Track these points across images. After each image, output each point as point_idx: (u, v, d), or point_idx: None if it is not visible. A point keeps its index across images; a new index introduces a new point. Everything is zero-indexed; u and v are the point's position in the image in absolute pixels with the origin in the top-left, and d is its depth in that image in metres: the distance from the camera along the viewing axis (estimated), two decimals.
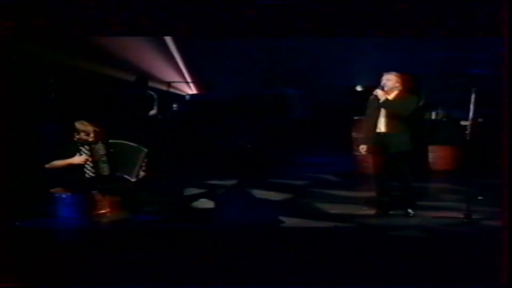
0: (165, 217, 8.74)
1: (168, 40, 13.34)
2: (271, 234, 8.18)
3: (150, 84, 11.82)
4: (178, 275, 6.90)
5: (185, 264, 7.03)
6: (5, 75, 7.15)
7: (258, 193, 10.05)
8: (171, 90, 13.33)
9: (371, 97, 8.82)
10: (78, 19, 7.25)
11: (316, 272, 7.03)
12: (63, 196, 8.33)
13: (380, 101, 8.70)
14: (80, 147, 8.36)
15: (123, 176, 8.52)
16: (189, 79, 13.84)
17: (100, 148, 8.43)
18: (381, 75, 8.82)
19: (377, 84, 8.85)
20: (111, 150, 8.45)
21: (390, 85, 8.72)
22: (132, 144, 8.64)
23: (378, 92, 8.69)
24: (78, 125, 8.48)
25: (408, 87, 8.88)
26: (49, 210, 8.28)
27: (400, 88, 8.76)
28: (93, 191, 8.38)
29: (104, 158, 8.43)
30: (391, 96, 8.73)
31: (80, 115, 8.90)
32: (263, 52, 13.64)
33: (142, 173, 8.52)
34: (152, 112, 11.26)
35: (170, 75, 13.53)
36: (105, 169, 8.43)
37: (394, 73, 8.78)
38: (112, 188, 8.45)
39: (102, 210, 8.39)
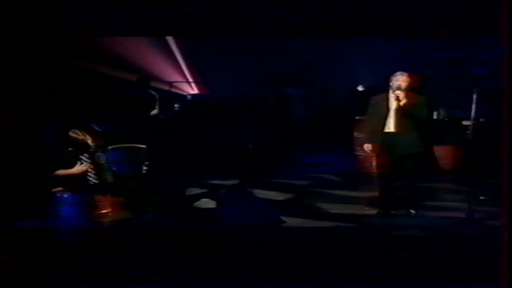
0: (167, 217, 8.74)
1: (170, 40, 13.34)
2: (272, 234, 8.18)
3: (152, 84, 11.83)
4: (179, 275, 6.91)
5: (186, 264, 7.04)
6: (7, 75, 7.16)
7: (260, 193, 10.04)
8: (173, 90, 13.34)
9: (376, 96, 8.80)
10: (80, 19, 7.27)
11: (318, 272, 7.03)
12: (65, 196, 8.35)
13: (401, 103, 8.65)
14: (80, 157, 8.37)
15: (125, 178, 8.55)
16: (190, 79, 13.84)
17: (100, 157, 8.43)
18: (391, 76, 8.77)
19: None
20: (112, 156, 8.46)
21: (405, 86, 8.68)
22: (131, 145, 8.65)
23: (400, 95, 8.64)
24: (73, 135, 8.46)
25: (416, 87, 8.86)
26: (50, 210, 8.29)
27: (410, 87, 8.74)
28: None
29: (105, 167, 8.43)
30: (406, 98, 8.68)
31: (83, 116, 8.91)
32: (265, 52, 13.63)
33: (144, 168, 8.54)
34: (154, 112, 11.27)
35: (171, 75, 13.53)
36: (109, 177, 8.45)
37: (406, 73, 8.73)
38: (115, 189, 8.46)
39: (104, 210, 8.40)
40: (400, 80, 8.67)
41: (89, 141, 8.43)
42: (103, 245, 7.54)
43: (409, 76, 8.69)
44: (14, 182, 7.37)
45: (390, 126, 8.71)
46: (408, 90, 8.69)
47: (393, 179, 8.81)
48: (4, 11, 7.03)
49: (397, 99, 8.64)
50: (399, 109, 8.66)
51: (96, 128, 9.56)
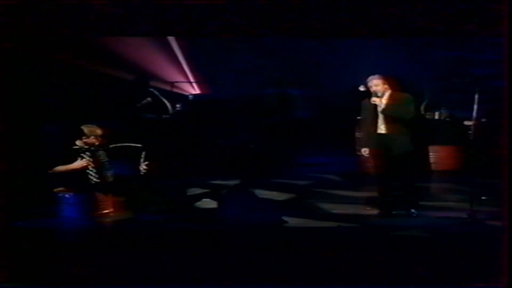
0: (168, 217, 8.74)
1: (171, 40, 13.34)
2: (274, 234, 8.18)
3: (153, 84, 11.85)
4: (179, 274, 6.92)
5: (186, 264, 7.05)
6: (8, 75, 7.18)
7: (261, 193, 10.04)
8: (174, 90, 13.35)
9: (365, 100, 8.90)
10: (83, 20, 7.28)
11: (319, 272, 7.04)
12: (66, 196, 8.35)
13: (380, 108, 8.74)
14: (82, 154, 8.39)
15: (126, 177, 8.56)
16: (192, 79, 13.85)
17: (102, 155, 8.45)
18: (367, 80, 8.90)
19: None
20: (113, 155, 8.48)
21: (381, 90, 8.80)
22: (131, 144, 8.67)
23: (376, 101, 8.75)
24: (86, 129, 8.49)
25: (396, 87, 8.93)
26: (52, 210, 8.30)
27: (389, 89, 8.83)
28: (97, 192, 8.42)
29: (106, 165, 8.45)
30: (387, 100, 8.78)
31: (86, 117, 8.92)
32: (266, 52, 13.63)
33: (144, 167, 8.54)
34: (156, 112, 11.31)
35: (173, 75, 13.53)
36: (109, 176, 8.46)
37: (378, 76, 8.84)
38: (116, 189, 8.47)
39: (105, 210, 8.41)
40: (372, 87, 8.80)
41: (100, 137, 8.46)
42: (104, 245, 7.55)
43: (380, 79, 8.80)
44: (15, 182, 7.38)
45: (380, 128, 8.81)
46: (386, 93, 8.79)
47: (391, 179, 8.86)
48: (4, 11, 7.05)
49: (374, 105, 8.74)
50: (382, 112, 8.76)
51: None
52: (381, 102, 8.78)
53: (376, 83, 8.81)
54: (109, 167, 8.49)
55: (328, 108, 13.41)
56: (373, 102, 8.79)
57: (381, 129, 8.82)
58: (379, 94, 8.79)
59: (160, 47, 13.13)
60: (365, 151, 8.97)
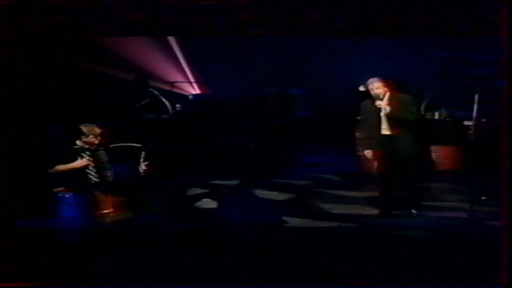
0: (168, 217, 8.75)
1: (172, 40, 13.34)
2: (274, 234, 8.18)
3: (154, 84, 11.84)
4: (179, 274, 6.92)
5: (186, 264, 7.05)
6: (8, 75, 7.18)
7: (261, 193, 10.04)
8: (175, 90, 13.35)
9: (365, 102, 8.90)
10: (83, 20, 7.28)
11: (319, 272, 7.04)
12: (66, 196, 8.36)
13: (385, 111, 8.74)
14: (82, 154, 8.39)
15: (126, 177, 8.57)
16: (192, 79, 13.84)
17: (101, 155, 8.47)
18: (367, 83, 8.91)
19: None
20: (113, 155, 8.49)
21: (382, 92, 8.81)
22: (131, 144, 8.68)
23: (381, 104, 8.75)
24: (84, 128, 8.50)
25: (396, 89, 8.94)
26: (52, 210, 8.30)
27: (390, 91, 8.84)
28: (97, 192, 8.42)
29: (106, 165, 8.46)
30: (389, 102, 8.78)
31: (85, 116, 8.93)
32: (267, 52, 13.62)
33: (143, 167, 8.55)
34: (155, 112, 11.30)
35: (173, 75, 13.53)
36: (109, 175, 8.47)
37: (378, 79, 8.85)
38: (116, 189, 8.48)
39: (105, 210, 8.41)
40: (374, 90, 8.81)
41: (99, 136, 8.47)
42: (104, 245, 7.55)
43: (379, 82, 8.81)
44: (15, 182, 7.39)
45: (383, 130, 8.82)
46: (389, 94, 8.80)
47: (393, 179, 8.87)
48: (5, 10, 7.06)
49: (376, 107, 8.75)
50: (386, 114, 8.77)
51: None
52: (385, 104, 8.77)
53: (377, 86, 8.81)
54: (109, 167, 8.50)
55: (328, 108, 13.41)
56: (378, 106, 8.77)
57: (385, 130, 8.82)
58: (381, 97, 8.80)
59: (160, 47, 13.13)
60: (368, 153, 8.97)
